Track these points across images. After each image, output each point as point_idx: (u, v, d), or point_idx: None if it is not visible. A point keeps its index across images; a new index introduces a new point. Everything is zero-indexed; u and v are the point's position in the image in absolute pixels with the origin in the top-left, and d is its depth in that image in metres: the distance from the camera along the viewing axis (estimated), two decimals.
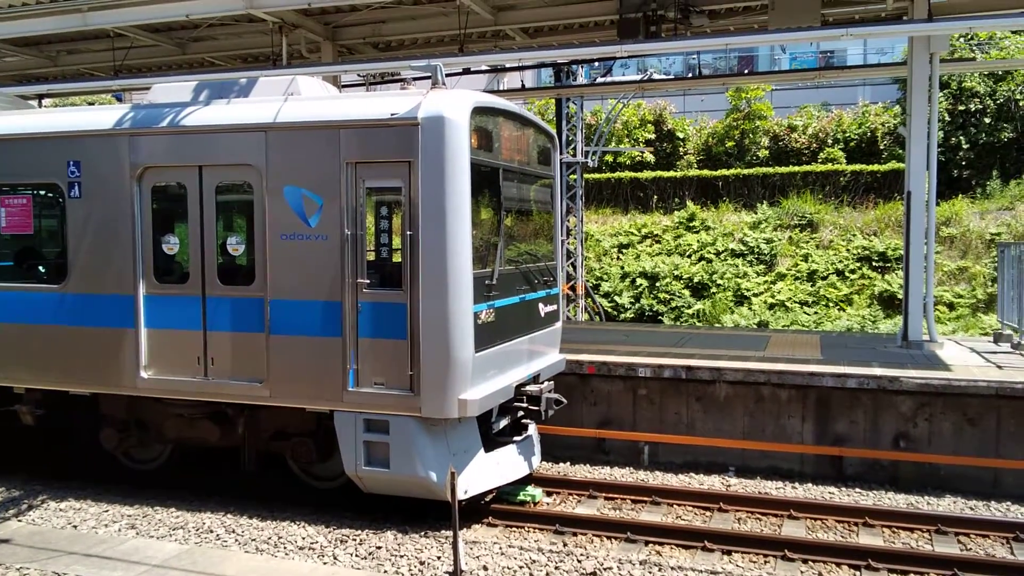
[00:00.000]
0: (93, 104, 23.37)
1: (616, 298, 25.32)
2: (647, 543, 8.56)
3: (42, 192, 9.77)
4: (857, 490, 10.22)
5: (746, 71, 35.24)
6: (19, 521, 8.80)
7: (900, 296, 21.07)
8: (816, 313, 23.14)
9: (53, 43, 16.65)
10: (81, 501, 9.45)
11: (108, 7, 13.18)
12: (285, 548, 8.07)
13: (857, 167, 27.69)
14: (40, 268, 10.00)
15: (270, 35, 14.44)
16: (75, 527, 8.64)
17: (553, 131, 11.23)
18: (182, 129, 8.97)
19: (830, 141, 29.61)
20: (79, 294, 9.41)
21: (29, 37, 15.13)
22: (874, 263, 24.06)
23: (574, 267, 22.60)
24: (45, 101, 16.84)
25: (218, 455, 9.94)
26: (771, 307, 23.76)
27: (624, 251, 27.21)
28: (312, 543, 8.17)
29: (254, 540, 8.25)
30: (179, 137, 8.99)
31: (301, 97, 9.05)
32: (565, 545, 8.52)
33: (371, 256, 8.55)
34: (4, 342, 9.79)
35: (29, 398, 10.10)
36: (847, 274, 24.04)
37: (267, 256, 8.64)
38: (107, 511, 9.13)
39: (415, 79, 10.13)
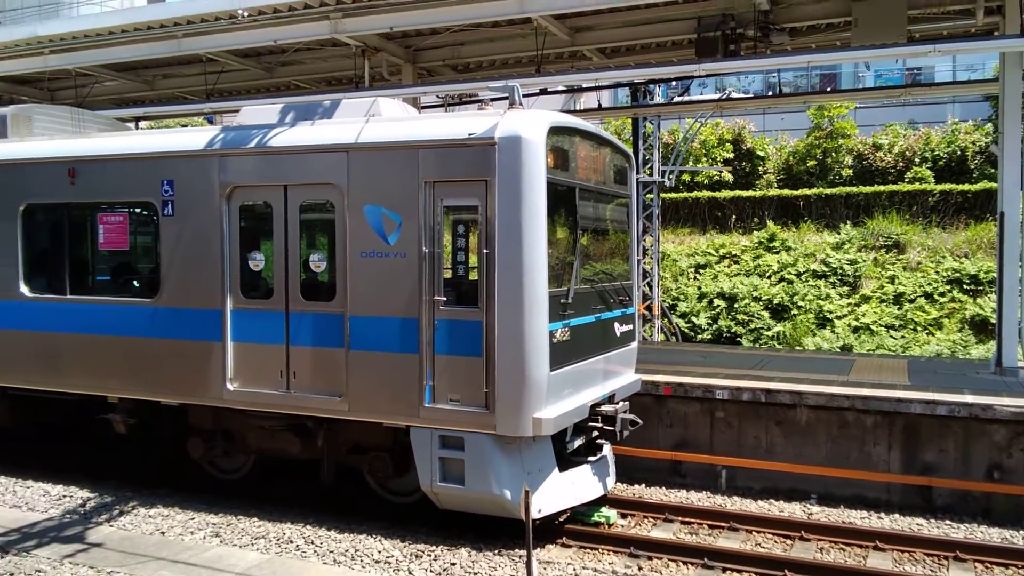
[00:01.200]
0: (186, 126, 24.39)
1: (693, 319, 24.96)
2: (724, 570, 8.38)
3: (137, 210, 10.22)
4: (947, 522, 9.81)
5: (828, 89, 34.51)
6: (111, 526, 9.14)
7: (993, 321, 20.22)
8: (903, 337, 22.35)
9: (149, 68, 17.46)
10: (169, 508, 9.77)
11: (201, 34, 13.81)
12: (362, 561, 8.17)
13: (946, 187, 26.71)
14: (134, 283, 10.44)
15: (353, 59, 14.85)
16: (163, 533, 8.93)
17: (629, 150, 11.21)
18: (269, 150, 9.27)
19: (917, 160, 28.67)
20: (170, 308, 9.79)
21: (127, 62, 15.92)
22: (965, 286, 23.12)
23: (650, 287, 22.41)
24: (141, 123, 17.69)
25: (298, 467, 10.17)
26: (855, 330, 23.04)
27: (701, 271, 26.83)
28: (388, 557, 8.26)
29: (332, 552, 8.39)
30: (266, 157, 9.30)
31: (382, 118, 9.26)
32: (640, 569, 8.41)
33: (448, 274, 8.65)
34: (100, 353, 10.23)
35: (122, 407, 10.53)
36: (936, 297, 23.16)
37: (347, 273, 8.83)
38: (193, 519, 9.41)
39: (493, 100, 10.27)
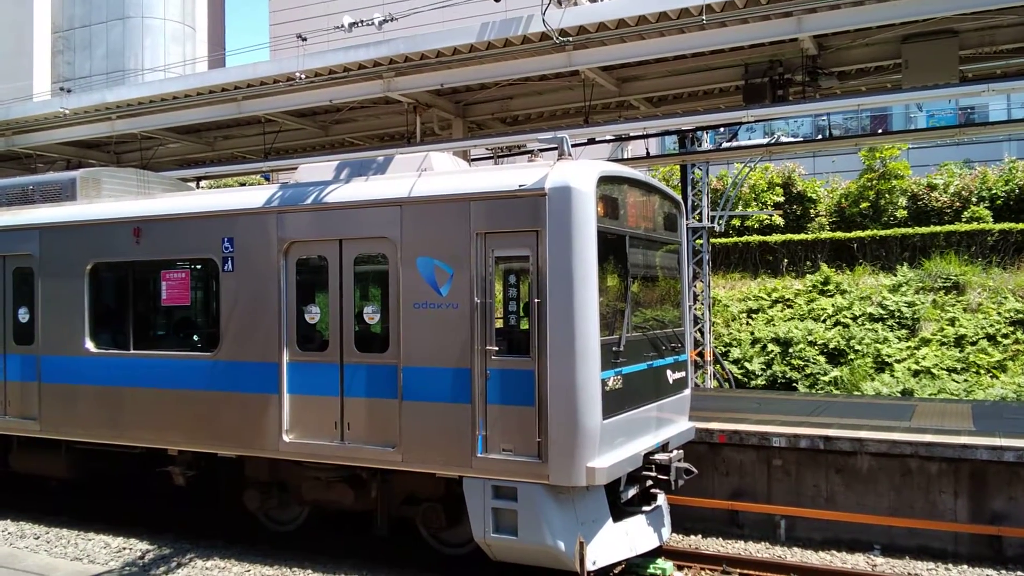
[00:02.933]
0: (244, 184, 25.14)
1: (746, 364, 24.57)
2: None
3: (199, 266, 10.54)
4: (1019, 573, 9.42)
5: (880, 131, 34.15)
6: None
7: None
8: (966, 380, 21.66)
9: (211, 129, 18.13)
10: (225, 560, 9.88)
11: (260, 96, 14.33)
12: None
13: (1006, 225, 26.08)
14: (195, 337, 10.73)
15: (405, 115, 15.24)
16: None
17: (679, 197, 11.24)
18: (324, 206, 9.53)
19: (974, 199, 28.10)
20: (229, 361, 10.02)
21: (190, 125, 16.55)
22: None
23: (701, 333, 22.19)
24: (202, 183, 18.30)
25: (352, 518, 10.22)
26: (915, 374, 22.42)
27: (754, 316, 26.49)
28: None
29: None
30: (322, 213, 9.56)
31: (433, 172, 9.46)
32: None
33: (499, 324, 8.70)
34: (162, 406, 10.50)
35: (181, 460, 10.75)
36: (999, 339, 22.47)
37: (400, 324, 8.96)
38: (248, 571, 9.50)
39: (542, 150, 10.42)
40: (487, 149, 17.51)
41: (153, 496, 12.05)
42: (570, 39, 11.99)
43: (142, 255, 10.77)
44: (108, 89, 16.89)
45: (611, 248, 8.84)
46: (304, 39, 13.66)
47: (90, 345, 11.12)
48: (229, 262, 10.07)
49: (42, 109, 17.49)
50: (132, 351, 10.84)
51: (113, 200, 11.67)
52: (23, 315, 11.70)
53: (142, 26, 35.06)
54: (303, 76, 13.53)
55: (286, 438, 9.60)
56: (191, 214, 10.53)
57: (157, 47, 34.50)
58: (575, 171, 8.40)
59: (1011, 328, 22.56)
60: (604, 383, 8.31)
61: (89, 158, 19.73)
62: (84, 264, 11.17)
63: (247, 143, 18.67)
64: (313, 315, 9.67)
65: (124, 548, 10.43)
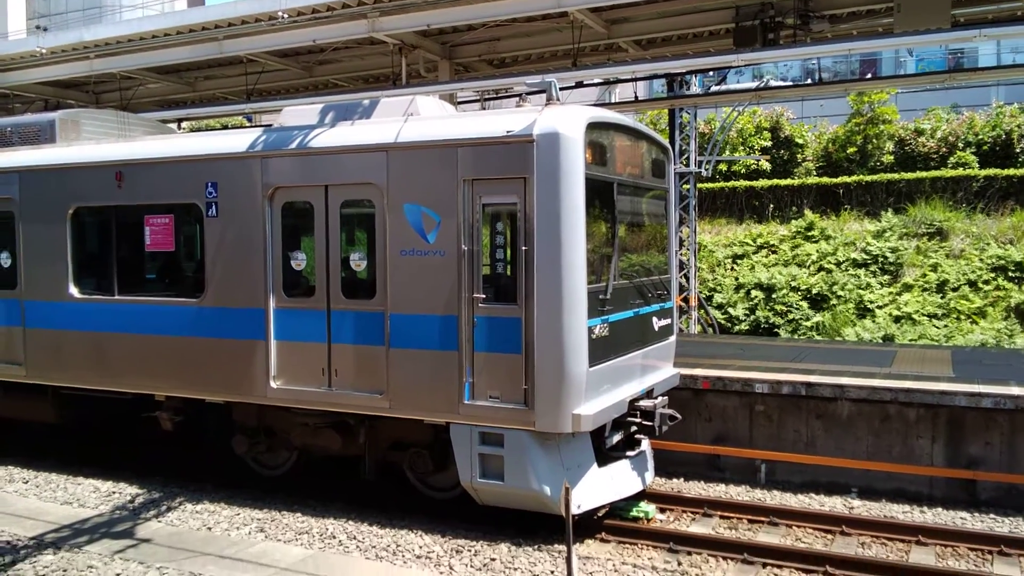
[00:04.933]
0: (227, 126, 24.75)
1: (730, 310, 24.76)
2: (765, 565, 8.36)
3: (182, 212, 10.42)
4: (992, 516, 9.69)
5: (869, 75, 33.89)
6: (159, 522, 9.38)
7: None
8: (946, 326, 21.95)
9: (191, 70, 17.75)
10: (215, 504, 9.99)
11: (242, 35, 14.00)
12: (403, 556, 8.30)
13: (991, 172, 26.13)
14: (180, 283, 10.65)
15: (390, 56, 14.96)
16: (209, 529, 9.15)
17: (667, 143, 11.17)
18: (310, 151, 9.40)
19: (961, 145, 28.08)
20: (215, 307, 9.99)
21: (170, 65, 16.19)
22: (1010, 273, 22.63)
23: (687, 278, 22.29)
24: (183, 124, 17.99)
25: (340, 462, 10.33)
26: (897, 320, 22.69)
27: (739, 262, 26.60)
28: (429, 552, 8.38)
29: (374, 547, 8.53)
30: (307, 158, 9.44)
31: (420, 117, 9.33)
32: (679, 564, 8.43)
33: (487, 271, 8.70)
34: (147, 352, 10.48)
35: (168, 405, 10.78)
36: (980, 285, 22.71)
37: (387, 271, 8.94)
38: (238, 514, 9.62)
39: (530, 93, 10.27)
40: (474, 92, 17.23)
41: (141, 441, 12.12)
42: None
43: (125, 199, 10.63)
44: (85, 27, 16.45)
45: (599, 195, 8.80)
46: None
47: (74, 291, 11.03)
48: (213, 207, 9.96)
49: (17, 48, 17.03)
50: (116, 297, 10.77)
51: (94, 143, 11.47)
52: (5, 259, 11.58)
53: None
54: (286, 15, 13.21)
55: (274, 384, 9.63)
56: (174, 158, 10.37)
57: None
58: (563, 117, 8.32)
59: (992, 274, 22.79)
60: (591, 331, 8.36)
61: (68, 98, 19.32)
62: (65, 208, 11.02)
63: (229, 84, 18.30)
64: (299, 261, 9.62)
65: (113, 492, 10.52)
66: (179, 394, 10.50)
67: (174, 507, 9.92)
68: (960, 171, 26.73)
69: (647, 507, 9.69)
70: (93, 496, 10.38)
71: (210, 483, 10.81)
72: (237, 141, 10.02)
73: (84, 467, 11.61)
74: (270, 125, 10.45)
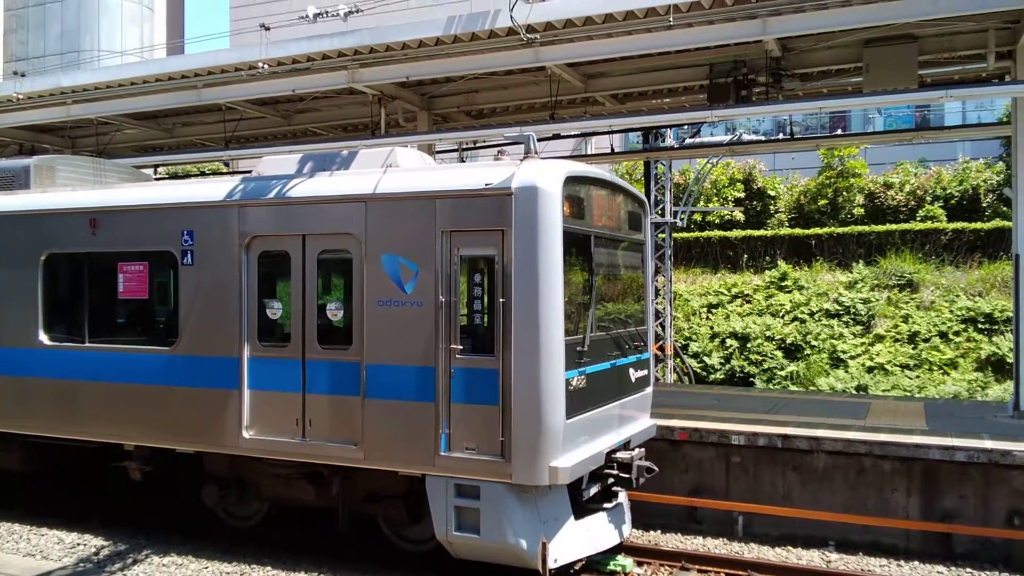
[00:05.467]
0: (204, 172, 24.72)
1: (705, 358, 24.88)
2: None
3: (157, 259, 10.33)
4: (968, 570, 9.69)
5: (839, 130, 34.67)
6: None
7: (1010, 360, 20.07)
8: (919, 377, 22.19)
9: (169, 116, 17.78)
10: (183, 556, 9.76)
11: (221, 84, 14.08)
12: None
13: (959, 225, 26.71)
14: (153, 331, 10.52)
15: (369, 106, 15.11)
16: None
17: (643, 196, 11.31)
18: (287, 200, 9.41)
19: (929, 198, 28.71)
20: (188, 356, 9.87)
21: (148, 111, 16.20)
22: (980, 325, 22.99)
23: (663, 327, 22.40)
24: (160, 169, 17.95)
25: (313, 514, 10.15)
26: (870, 370, 22.91)
27: (714, 311, 26.80)
28: None
29: None
30: (285, 208, 9.43)
31: (399, 168, 9.38)
32: None
33: (464, 322, 8.69)
34: (118, 401, 10.30)
35: (138, 455, 10.57)
36: (951, 336, 23.04)
37: (364, 321, 8.89)
38: (207, 568, 9.40)
39: (506, 145, 10.39)
40: (453, 142, 17.41)
41: (109, 490, 11.85)
42: (537, 36, 11.96)
43: (99, 246, 10.53)
44: (64, 73, 16.48)
45: (577, 248, 8.86)
46: (268, 28, 13.43)
47: (44, 338, 10.86)
48: (189, 255, 9.90)
49: None
50: (87, 344, 10.62)
51: (69, 189, 11.40)
52: None
53: (98, 6, 34.12)
54: (265, 65, 13.32)
55: (246, 434, 9.49)
56: (150, 206, 10.32)
57: (114, 28, 33.63)
58: (542, 171, 8.40)
59: (962, 326, 23.14)
60: (568, 383, 8.35)
61: (43, 142, 19.24)
62: (38, 254, 10.90)
63: (207, 130, 18.35)
64: (275, 310, 9.55)
65: (78, 544, 10.26)
66: (149, 443, 10.30)
67: (140, 559, 9.68)
68: (929, 224, 27.29)
69: (624, 560, 9.59)
70: (57, 548, 10.11)
71: (178, 534, 10.56)
72: (214, 190, 10.00)
73: (49, 517, 11.31)
74: (248, 171, 10.44)
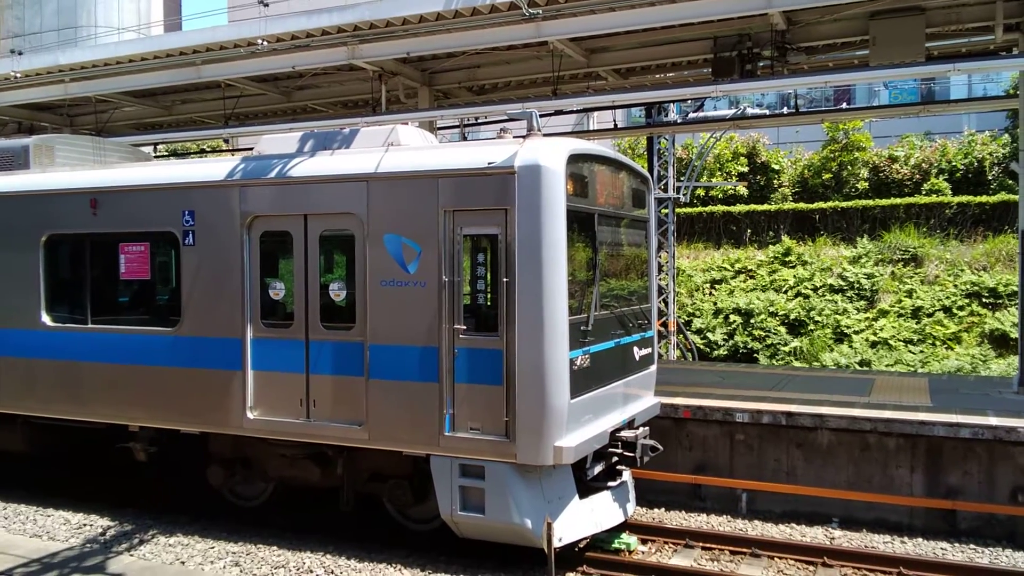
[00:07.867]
0: (204, 149, 24.57)
1: (709, 335, 24.86)
2: None
3: (158, 239, 10.28)
4: (972, 546, 9.71)
5: (844, 104, 34.37)
6: (131, 555, 9.17)
7: (1013, 335, 20.03)
8: (922, 352, 22.17)
9: (168, 94, 17.60)
10: (189, 536, 9.80)
11: (220, 60, 13.91)
12: None
13: (964, 199, 26.55)
14: (155, 312, 10.49)
15: (370, 82, 14.94)
16: (183, 563, 8.96)
17: (647, 173, 11.21)
18: (289, 180, 9.33)
19: (934, 172, 28.52)
20: (191, 337, 9.84)
21: (147, 89, 16.04)
22: (984, 299, 22.94)
23: (666, 303, 22.34)
24: (159, 147, 17.79)
25: (318, 494, 10.18)
26: (873, 345, 22.88)
27: (717, 287, 26.74)
28: None
29: None
30: (286, 187, 9.36)
31: (401, 147, 9.30)
32: None
33: (467, 302, 8.64)
34: (121, 382, 10.29)
35: (142, 436, 10.58)
36: (955, 311, 22.98)
37: (367, 302, 8.86)
38: (213, 547, 9.43)
39: (508, 120, 10.28)
40: (454, 119, 17.25)
41: (114, 470, 11.88)
42: (539, 10, 11.77)
43: (99, 227, 10.47)
44: (61, 51, 16.27)
45: (580, 226, 8.79)
46: (266, 4, 13.25)
47: (46, 319, 10.84)
48: (190, 236, 9.84)
49: None
50: (90, 325, 10.59)
51: (68, 169, 11.32)
52: None
53: None
54: (265, 42, 13.16)
55: (250, 415, 9.49)
56: (150, 186, 10.25)
57: (111, 4, 33.25)
58: (545, 149, 8.31)
59: (966, 300, 23.07)
60: (572, 362, 8.32)
61: (41, 120, 19.09)
62: (39, 235, 10.85)
63: (207, 108, 18.17)
64: (277, 291, 9.51)
65: (85, 524, 10.29)
66: (153, 425, 10.31)
67: (147, 540, 9.71)
68: (933, 198, 27.13)
69: (629, 538, 9.61)
70: (63, 528, 10.15)
71: (184, 515, 10.60)
72: (215, 169, 9.92)
73: (55, 498, 11.35)
74: (248, 150, 10.34)
